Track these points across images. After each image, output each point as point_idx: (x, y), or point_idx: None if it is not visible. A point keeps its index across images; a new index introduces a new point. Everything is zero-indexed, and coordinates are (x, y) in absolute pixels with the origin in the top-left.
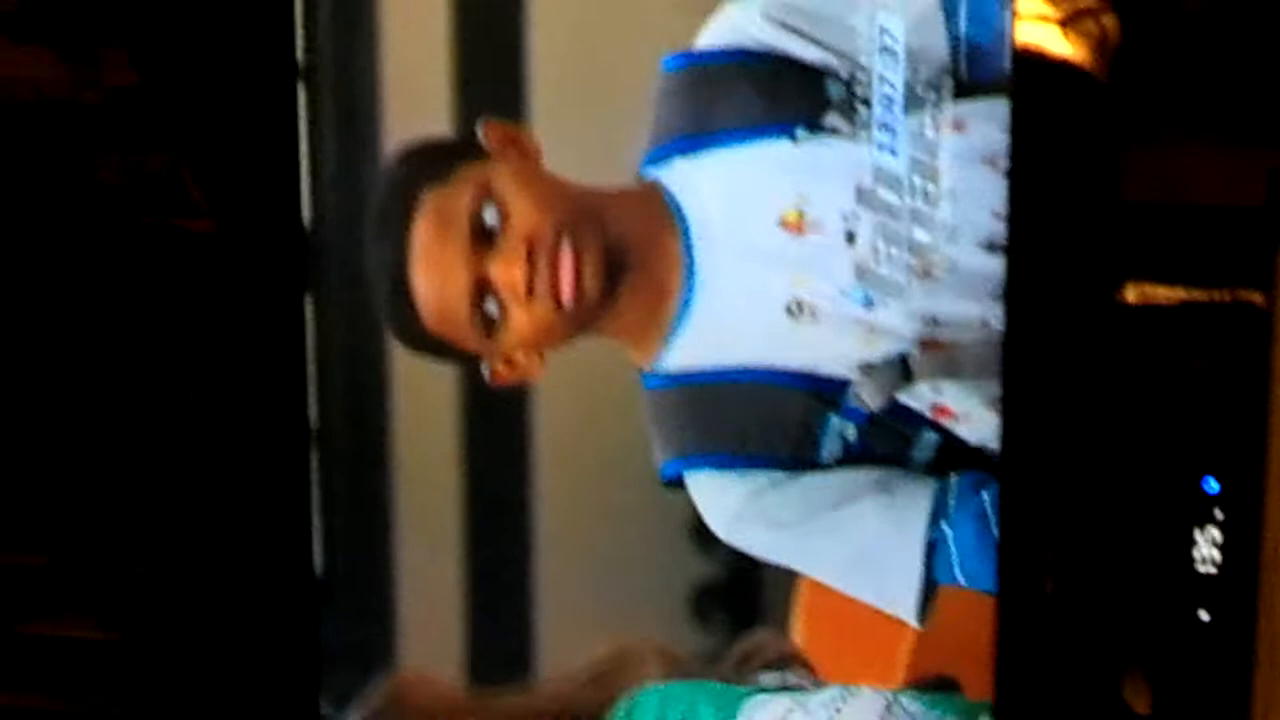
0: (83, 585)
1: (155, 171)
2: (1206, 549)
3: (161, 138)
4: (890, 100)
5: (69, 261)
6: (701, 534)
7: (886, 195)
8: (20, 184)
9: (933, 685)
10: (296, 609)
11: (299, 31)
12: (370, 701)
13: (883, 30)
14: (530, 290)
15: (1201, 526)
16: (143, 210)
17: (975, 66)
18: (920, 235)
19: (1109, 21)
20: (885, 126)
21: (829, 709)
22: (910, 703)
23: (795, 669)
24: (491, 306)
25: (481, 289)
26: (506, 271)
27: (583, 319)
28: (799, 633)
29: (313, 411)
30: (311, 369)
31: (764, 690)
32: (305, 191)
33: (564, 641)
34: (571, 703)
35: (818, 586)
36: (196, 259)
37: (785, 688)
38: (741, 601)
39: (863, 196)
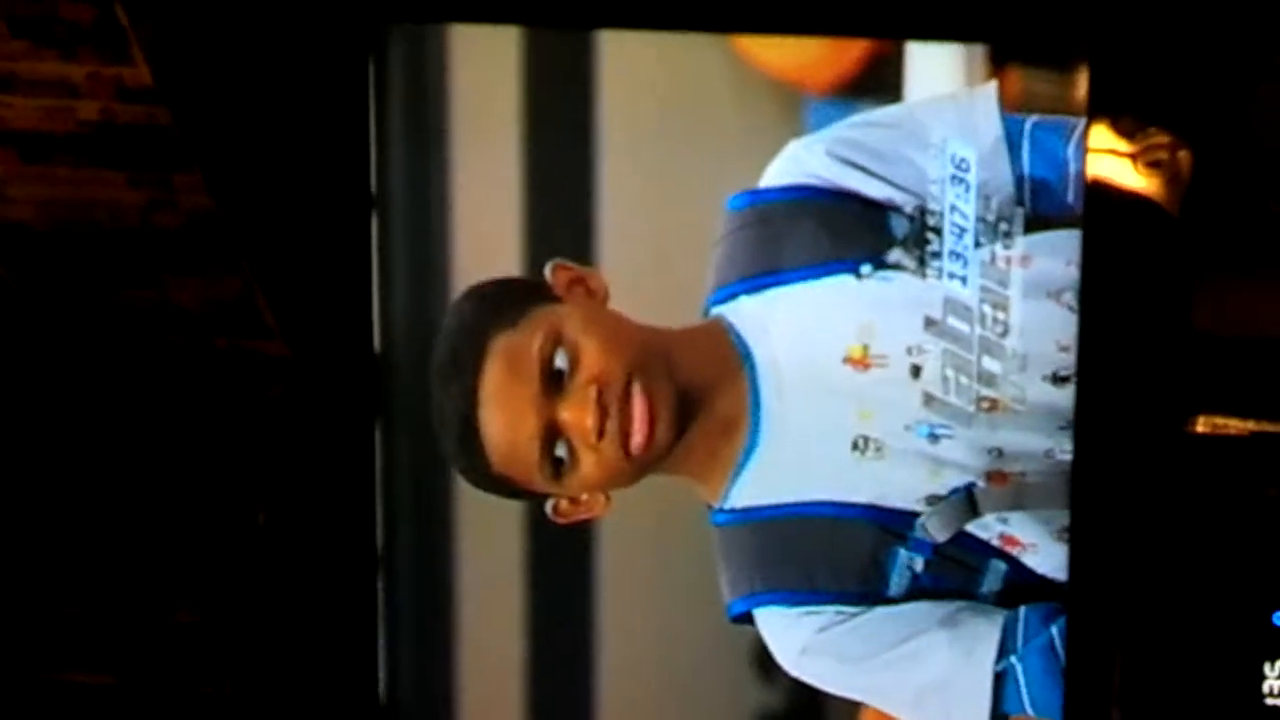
0: (148, 706)
1: (229, 295)
2: (1277, 683)
3: (236, 262)
4: (962, 230)
5: (143, 382)
6: (763, 664)
7: (956, 324)
8: (96, 305)
9: None
10: None
11: (373, 161)
12: None
13: (956, 161)
14: (601, 434)
15: (1272, 660)
16: (216, 332)
17: (1038, 201)
18: (989, 364)
19: (1183, 156)
20: (956, 256)
21: None
22: None
23: None
24: (561, 450)
25: (551, 433)
26: (577, 416)
27: (651, 461)
28: None
29: (379, 535)
30: (379, 493)
31: None
32: (376, 318)
33: None
34: None
35: (880, 716)
36: (269, 382)
37: None
38: None
39: (931, 327)
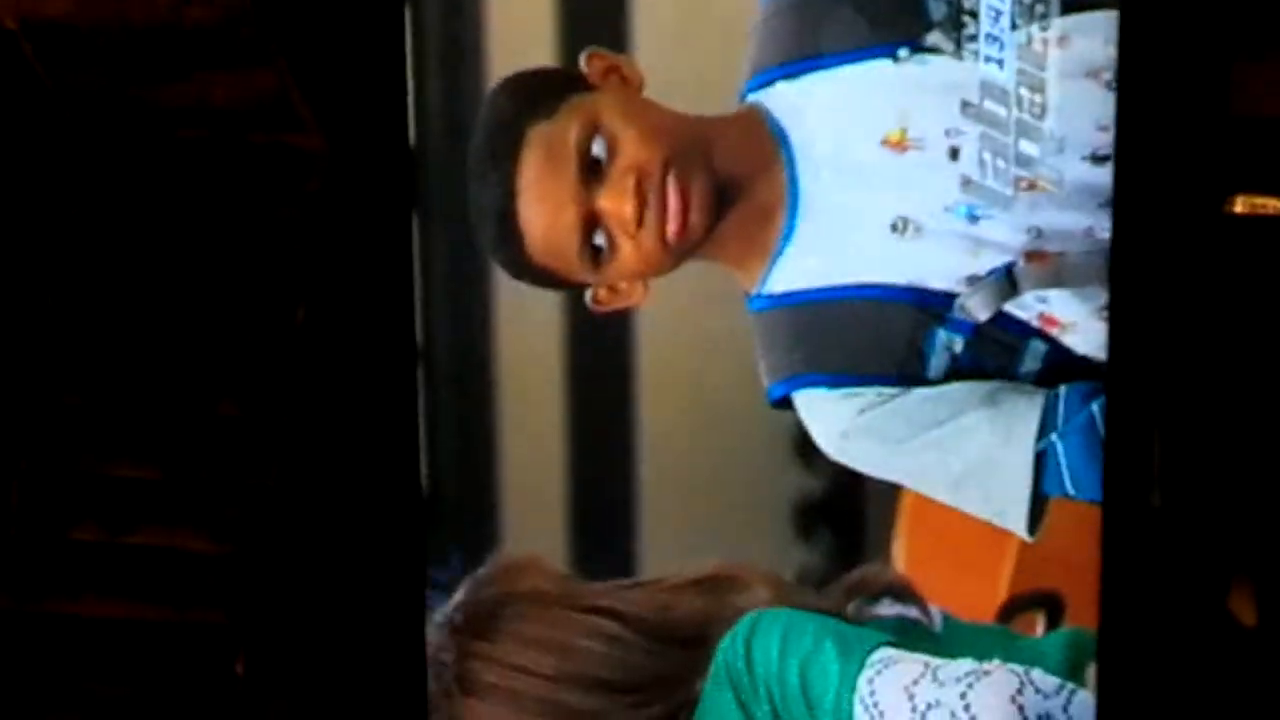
0: (195, 498)
1: (264, 90)
2: None
3: (271, 56)
4: (998, 13)
5: (180, 179)
6: (805, 452)
7: (993, 108)
8: (131, 104)
9: (1034, 601)
10: (403, 526)
11: None
12: (479, 577)
13: None
14: (640, 223)
15: None
16: (252, 128)
17: None
18: (1027, 147)
19: None
20: (992, 39)
21: (960, 685)
22: (1042, 679)
23: (904, 599)
24: (599, 239)
25: (590, 222)
26: (616, 205)
27: (688, 249)
28: (902, 551)
29: (419, 328)
30: (418, 286)
31: (888, 642)
32: (411, 111)
33: (666, 562)
34: (673, 603)
35: (920, 503)
36: (305, 177)
37: (904, 628)
38: (845, 519)
39: (968, 110)
